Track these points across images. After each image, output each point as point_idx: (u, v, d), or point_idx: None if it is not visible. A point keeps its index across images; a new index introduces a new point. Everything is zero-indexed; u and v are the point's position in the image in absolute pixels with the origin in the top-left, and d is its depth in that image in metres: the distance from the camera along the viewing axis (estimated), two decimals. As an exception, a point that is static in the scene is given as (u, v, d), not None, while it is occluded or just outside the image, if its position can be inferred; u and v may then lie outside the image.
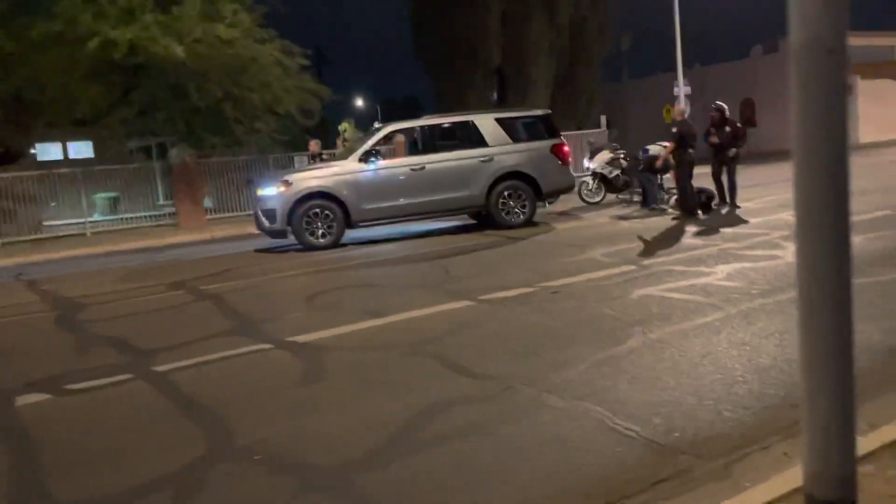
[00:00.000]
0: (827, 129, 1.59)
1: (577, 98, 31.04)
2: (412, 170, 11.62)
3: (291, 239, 11.56)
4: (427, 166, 11.64)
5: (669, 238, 9.77)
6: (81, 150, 23.86)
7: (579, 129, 25.43)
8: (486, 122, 12.12)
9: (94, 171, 18.21)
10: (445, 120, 12.49)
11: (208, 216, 18.30)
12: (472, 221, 12.93)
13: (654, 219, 11.90)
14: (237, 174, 19.20)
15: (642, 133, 26.01)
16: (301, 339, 5.71)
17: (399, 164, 11.77)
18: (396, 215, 11.72)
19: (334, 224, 11.32)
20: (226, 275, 9.62)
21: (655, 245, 9.22)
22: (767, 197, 13.53)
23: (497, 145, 12.00)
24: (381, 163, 11.59)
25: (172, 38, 15.19)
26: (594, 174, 14.97)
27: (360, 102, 60.22)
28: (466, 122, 12.26)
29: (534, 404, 4.00)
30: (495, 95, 29.37)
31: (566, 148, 12.39)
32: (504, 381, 4.37)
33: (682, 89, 25.14)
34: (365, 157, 11.45)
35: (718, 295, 6.17)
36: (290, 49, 18.41)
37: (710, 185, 12.45)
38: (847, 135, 1.60)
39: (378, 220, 11.71)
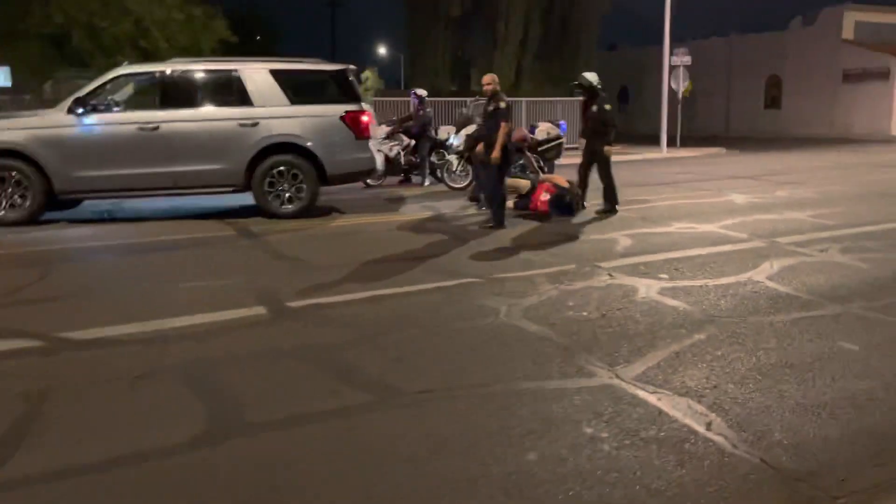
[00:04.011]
0: None
1: (569, 64, 27.20)
2: (140, 129, 8.64)
3: None
4: (162, 126, 8.67)
5: (425, 259, 6.62)
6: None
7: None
8: (254, 74, 9.00)
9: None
10: (198, 66, 9.24)
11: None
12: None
13: (484, 219, 8.43)
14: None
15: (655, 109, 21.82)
16: None
17: (122, 121, 8.73)
18: (119, 188, 8.81)
19: (28, 193, 8.55)
20: None
21: (391, 269, 6.13)
22: (663, 202, 10.25)
23: (267, 106, 8.92)
24: (97, 117, 8.63)
25: None
26: (459, 153, 11.77)
27: (382, 51, 56.97)
28: (228, 73, 9.13)
29: None
30: (459, 53, 25.73)
31: (364, 117, 9.13)
32: None
33: (666, 60, 21.24)
34: (75, 108, 8.56)
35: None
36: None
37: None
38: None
39: (94, 192, 8.86)
